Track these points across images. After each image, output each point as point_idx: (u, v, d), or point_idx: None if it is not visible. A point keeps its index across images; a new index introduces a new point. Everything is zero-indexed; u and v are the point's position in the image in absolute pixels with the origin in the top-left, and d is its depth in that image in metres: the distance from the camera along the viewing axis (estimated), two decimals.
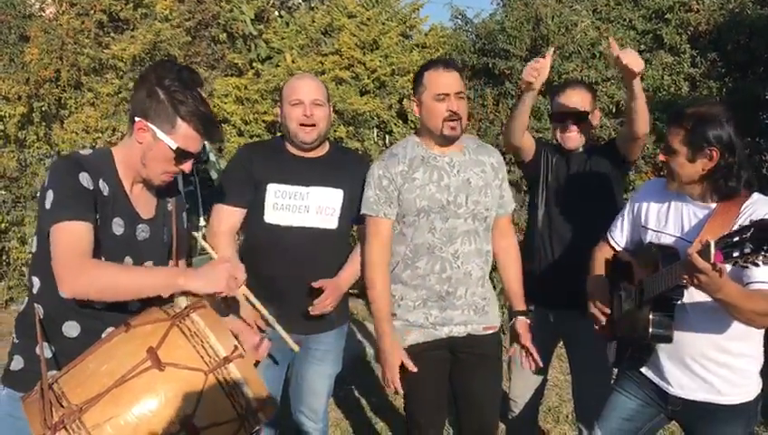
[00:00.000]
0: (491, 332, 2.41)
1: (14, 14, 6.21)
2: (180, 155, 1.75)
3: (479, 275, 2.34)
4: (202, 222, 2.47)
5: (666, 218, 2.07)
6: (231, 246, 2.41)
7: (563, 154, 2.76)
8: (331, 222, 2.38)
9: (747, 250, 1.54)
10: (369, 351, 4.67)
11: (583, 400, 2.79)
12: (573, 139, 2.70)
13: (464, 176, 2.31)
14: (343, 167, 2.44)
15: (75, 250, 1.60)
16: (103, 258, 1.67)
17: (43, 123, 6.06)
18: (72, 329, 1.73)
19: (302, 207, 2.35)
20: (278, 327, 2.01)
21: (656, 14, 5.18)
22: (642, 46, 5.11)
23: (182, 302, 1.66)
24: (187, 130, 1.73)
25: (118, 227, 1.75)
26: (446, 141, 2.31)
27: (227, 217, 2.42)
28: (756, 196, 1.93)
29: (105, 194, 1.71)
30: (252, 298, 1.90)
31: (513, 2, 5.77)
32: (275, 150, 2.44)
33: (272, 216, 2.36)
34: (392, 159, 2.34)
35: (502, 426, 3.19)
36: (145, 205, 1.84)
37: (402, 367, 2.34)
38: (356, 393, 4.03)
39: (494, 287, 2.60)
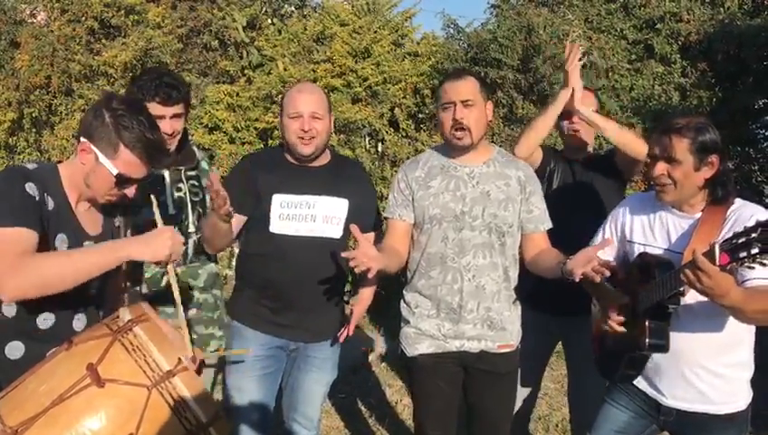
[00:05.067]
0: (507, 350, 2.33)
1: (5, 20, 6.18)
2: (121, 181, 1.69)
3: (494, 289, 2.26)
4: (191, 228, 2.44)
5: (652, 231, 2.08)
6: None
7: (569, 162, 2.76)
8: (336, 231, 2.36)
9: (755, 250, 1.57)
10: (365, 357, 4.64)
11: (581, 405, 2.78)
12: (581, 134, 2.70)
13: (483, 188, 2.26)
14: (346, 176, 2.44)
15: (13, 250, 1.50)
16: None
17: (34, 130, 6.03)
18: (15, 350, 1.68)
19: (308, 216, 2.33)
20: (185, 335, 1.73)
21: (647, 25, 5.21)
22: (633, 56, 5.14)
23: (125, 315, 1.60)
24: (129, 157, 1.67)
25: (62, 243, 1.68)
26: (457, 151, 2.30)
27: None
28: (739, 201, 1.96)
29: (50, 208, 1.66)
30: (173, 280, 1.73)
31: (506, 11, 5.80)
32: (277, 161, 2.41)
33: (277, 225, 2.32)
34: (412, 165, 2.37)
35: None
36: (91, 221, 1.79)
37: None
38: (351, 400, 4.00)
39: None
